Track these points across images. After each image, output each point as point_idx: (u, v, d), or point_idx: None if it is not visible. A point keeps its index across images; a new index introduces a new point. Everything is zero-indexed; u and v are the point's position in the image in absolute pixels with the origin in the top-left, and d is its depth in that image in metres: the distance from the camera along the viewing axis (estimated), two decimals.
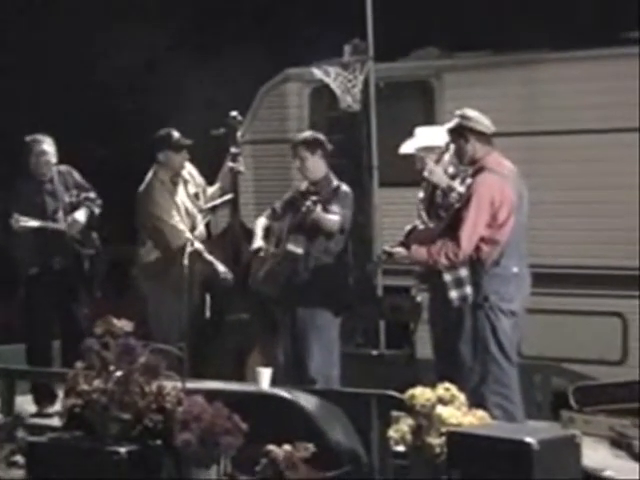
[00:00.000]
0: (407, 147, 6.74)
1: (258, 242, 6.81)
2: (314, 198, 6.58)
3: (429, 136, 6.55)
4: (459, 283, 6.06)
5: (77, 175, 7.50)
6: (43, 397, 7.24)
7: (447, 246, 5.94)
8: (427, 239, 6.18)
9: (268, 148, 9.35)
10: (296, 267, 6.69)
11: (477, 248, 5.97)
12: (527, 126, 8.30)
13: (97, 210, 7.38)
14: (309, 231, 6.65)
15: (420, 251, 6.05)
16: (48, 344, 7.34)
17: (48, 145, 7.31)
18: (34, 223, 7.11)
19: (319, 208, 6.57)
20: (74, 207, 7.36)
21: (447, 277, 6.12)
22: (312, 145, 6.81)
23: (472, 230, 5.91)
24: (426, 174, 6.43)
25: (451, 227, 6.03)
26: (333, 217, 6.65)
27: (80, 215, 7.31)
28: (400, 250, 6.24)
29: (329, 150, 6.88)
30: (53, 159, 7.34)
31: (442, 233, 6.09)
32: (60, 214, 7.29)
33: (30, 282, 7.29)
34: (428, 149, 6.59)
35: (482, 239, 5.96)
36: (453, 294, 6.08)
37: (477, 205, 5.93)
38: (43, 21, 13.10)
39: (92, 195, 7.45)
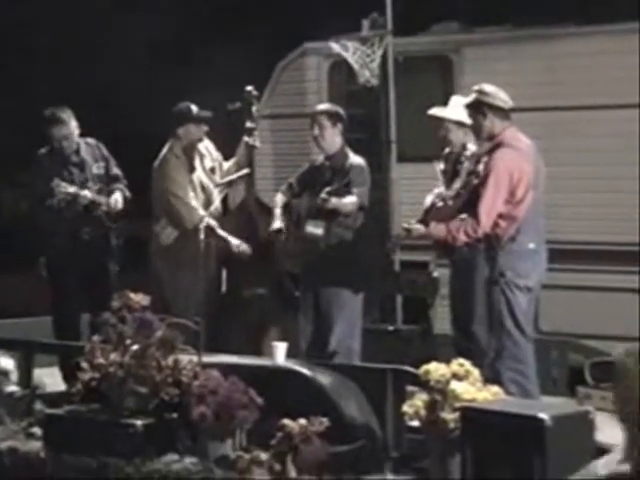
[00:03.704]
0: (439, 111, 6.76)
1: (277, 223, 6.82)
2: (328, 189, 6.59)
3: (463, 111, 6.50)
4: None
5: (104, 150, 7.55)
6: (72, 374, 7.18)
7: (466, 222, 5.93)
8: (446, 216, 6.18)
9: (286, 122, 9.34)
10: (317, 246, 6.71)
11: (495, 224, 5.96)
12: (547, 101, 8.25)
13: (128, 193, 7.42)
14: (327, 214, 6.67)
15: (439, 228, 6.05)
16: (77, 317, 7.32)
17: (68, 117, 7.36)
18: (73, 189, 7.17)
19: (334, 199, 6.57)
20: (102, 179, 7.41)
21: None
22: (333, 117, 6.84)
23: (491, 206, 5.90)
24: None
25: (470, 204, 6.02)
26: (350, 200, 6.65)
27: (118, 197, 7.36)
28: (419, 227, 6.24)
29: (346, 126, 6.89)
30: (75, 130, 7.39)
31: (461, 210, 6.08)
32: (90, 184, 7.34)
33: (57, 253, 7.31)
34: (459, 124, 6.59)
35: (500, 215, 5.94)
36: None
37: (495, 181, 5.91)
38: (64, 5, 13.09)
39: (119, 172, 7.50)
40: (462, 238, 5.97)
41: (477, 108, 6.06)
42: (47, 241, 7.37)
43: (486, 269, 6.12)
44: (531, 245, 5.98)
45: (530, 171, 5.99)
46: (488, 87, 6.08)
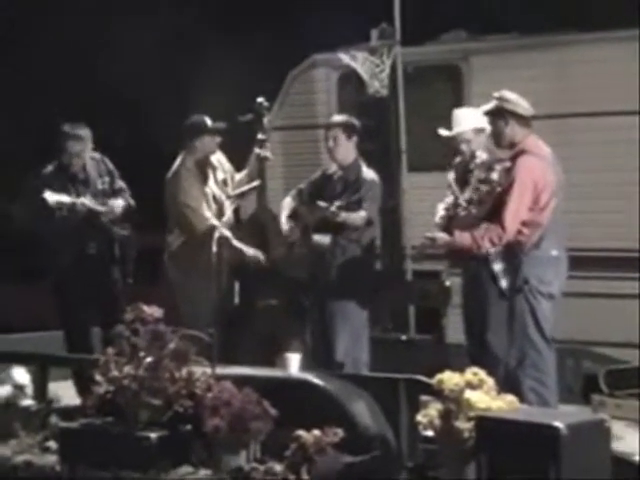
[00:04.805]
0: (451, 131, 6.73)
1: (285, 225, 6.84)
2: (338, 203, 6.60)
3: (477, 118, 6.46)
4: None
5: (110, 163, 7.54)
6: (87, 388, 7.14)
7: (491, 230, 5.90)
8: (469, 224, 6.15)
9: (297, 134, 9.37)
10: (323, 256, 6.72)
11: (518, 231, 5.93)
12: (556, 108, 8.25)
13: (132, 202, 7.43)
14: (334, 226, 6.69)
15: (464, 236, 6.01)
16: (87, 331, 7.31)
17: (86, 134, 7.34)
18: (67, 199, 7.13)
19: (344, 213, 6.59)
20: (106, 194, 7.41)
21: (497, 266, 6.13)
22: (348, 129, 6.87)
23: (515, 213, 5.88)
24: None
25: (494, 211, 5.99)
26: (359, 215, 6.67)
27: (118, 203, 7.34)
28: (443, 236, 6.20)
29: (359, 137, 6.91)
30: (88, 149, 7.38)
31: (485, 218, 6.06)
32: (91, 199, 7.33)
33: (65, 268, 7.30)
34: (478, 130, 6.57)
35: (524, 222, 5.92)
36: (504, 283, 6.09)
37: (520, 188, 5.89)
38: (66, 7, 13.14)
39: (123, 185, 7.50)
40: (487, 246, 5.94)
41: (498, 115, 6.03)
42: (52, 257, 7.39)
43: (506, 278, 6.10)
44: (554, 252, 5.96)
45: (553, 178, 5.98)
46: (509, 94, 6.04)
